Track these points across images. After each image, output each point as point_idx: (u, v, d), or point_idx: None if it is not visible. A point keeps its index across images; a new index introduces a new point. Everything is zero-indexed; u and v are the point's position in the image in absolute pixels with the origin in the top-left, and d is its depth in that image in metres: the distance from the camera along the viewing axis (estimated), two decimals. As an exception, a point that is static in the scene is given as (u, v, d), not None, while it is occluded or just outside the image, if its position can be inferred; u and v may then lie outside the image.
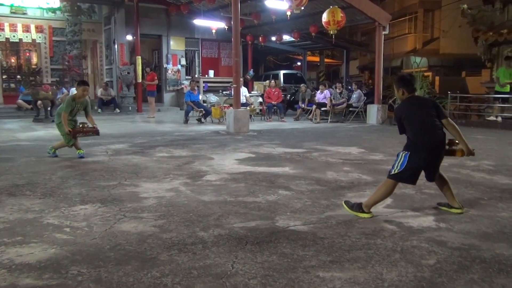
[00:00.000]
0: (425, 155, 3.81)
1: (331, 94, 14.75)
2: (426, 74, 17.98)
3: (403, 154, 3.83)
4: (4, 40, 17.67)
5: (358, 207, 3.92)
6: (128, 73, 17.49)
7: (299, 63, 29.14)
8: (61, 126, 6.98)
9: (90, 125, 7.15)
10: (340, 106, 14.65)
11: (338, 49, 25.83)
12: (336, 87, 15.26)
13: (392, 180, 3.87)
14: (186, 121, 13.45)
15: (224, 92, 16.60)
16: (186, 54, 20.57)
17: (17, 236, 3.39)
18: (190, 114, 13.76)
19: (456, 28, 19.97)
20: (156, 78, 16.10)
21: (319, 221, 3.79)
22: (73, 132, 6.92)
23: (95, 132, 7.12)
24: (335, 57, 31.51)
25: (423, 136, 3.82)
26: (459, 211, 4.02)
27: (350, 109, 14.84)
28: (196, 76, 20.14)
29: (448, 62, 22.06)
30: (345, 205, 4.03)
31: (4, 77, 18.43)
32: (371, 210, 3.93)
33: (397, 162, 3.84)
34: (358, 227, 3.61)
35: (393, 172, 3.84)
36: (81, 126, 7.11)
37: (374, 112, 13.78)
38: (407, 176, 3.83)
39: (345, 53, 23.51)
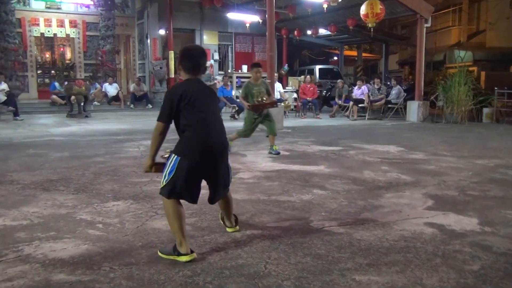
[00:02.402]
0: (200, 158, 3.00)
1: (369, 90, 14.56)
2: (471, 69, 17.45)
3: (174, 158, 2.99)
4: (39, 35, 18.24)
5: (173, 250, 2.97)
6: (161, 68, 17.75)
7: (335, 58, 28.82)
8: (246, 119, 7.31)
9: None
10: (378, 103, 14.44)
11: (377, 43, 25.42)
12: (374, 83, 15.04)
13: (165, 199, 2.99)
14: (218, 117, 13.54)
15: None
16: (219, 48, 20.69)
17: (51, 231, 3.50)
18: (223, 110, 13.84)
19: (504, 20, 19.36)
20: None
21: (356, 222, 3.75)
22: (252, 107, 7.14)
23: (273, 104, 7.38)
24: (373, 52, 31.02)
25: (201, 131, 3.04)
26: (231, 230, 3.49)
27: (389, 105, 14.60)
28: (229, 71, 20.23)
29: (495, 56, 21.35)
30: (161, 254, 3.03)
31: (38, 72, 19.01)
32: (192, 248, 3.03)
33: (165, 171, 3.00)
34: (396, 229, 3.56)
35: (162, 185, 3.00)
36: (260, 100, 7.27)
37: (414, 109, 13.52)
38: (179, 189, 2.96)
39: (384, 47, 23.13)
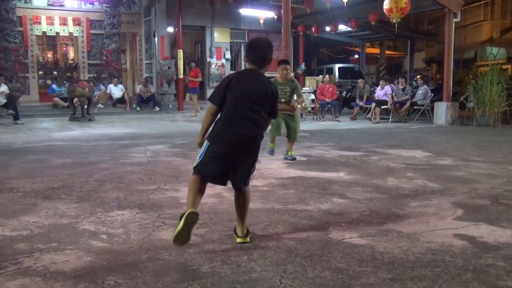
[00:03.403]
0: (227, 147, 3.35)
1: (392, 91, 14.49)
2: (504, 67, 17.29)
3: (205, 143, 3.42)
4: (41, 34, 18.45)
5: (179, 219, 3.28)
6: (169, 68, 17.85)
7: (356, 56, 28.81)
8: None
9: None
10: (404, 107, 14.34)
11: (401, 39, 25.34)
12: (398, 83, 14.99)
13: (192, 176, 3.44)
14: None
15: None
16: (231, 47, 20.80)
17: (52, 242, 3.53)
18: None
19: (541, 13, 19.14)
20: (200, 74, 16.37)
21: (378, 233, 3.73)
22: None
23: (288, 109, 7.19)
24: (397, 49, 30.95)
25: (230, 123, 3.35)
26: (240, 240, 3.51)
27: (415, 107, 14.53)
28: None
29: (531, 53, 21.18)
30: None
31: (40, 73, 19.21)
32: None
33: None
34: (423, 241, 3.53)
35: (194, 165, 3.45)
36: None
37: (442, 111, 13.42)
38: (205, 168, 3.37)
39: (409, 44, 23.06)
